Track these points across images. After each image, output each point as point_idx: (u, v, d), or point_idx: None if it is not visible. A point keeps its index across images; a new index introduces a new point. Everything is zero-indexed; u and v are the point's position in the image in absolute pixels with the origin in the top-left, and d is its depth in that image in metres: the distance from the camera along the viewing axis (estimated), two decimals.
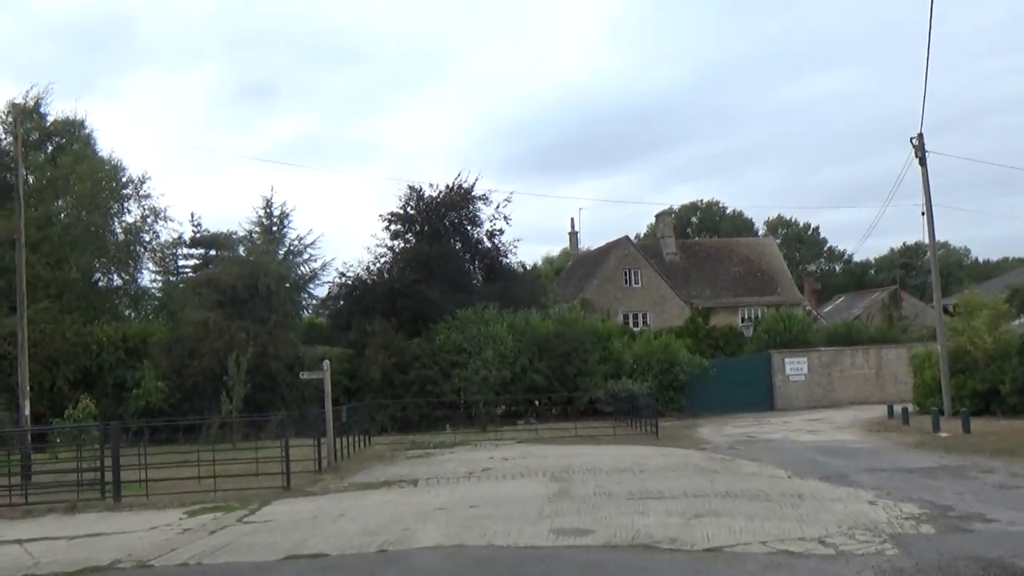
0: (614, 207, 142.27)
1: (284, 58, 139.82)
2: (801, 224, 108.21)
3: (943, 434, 27.61)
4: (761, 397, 42.76)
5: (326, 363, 24.67)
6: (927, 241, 35.29)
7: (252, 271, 37.49)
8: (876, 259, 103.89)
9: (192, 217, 44.53)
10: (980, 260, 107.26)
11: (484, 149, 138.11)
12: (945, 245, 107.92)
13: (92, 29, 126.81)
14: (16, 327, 36.66)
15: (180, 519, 16.67)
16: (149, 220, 42.77)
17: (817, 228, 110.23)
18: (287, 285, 38.89)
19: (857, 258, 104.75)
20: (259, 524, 15.59)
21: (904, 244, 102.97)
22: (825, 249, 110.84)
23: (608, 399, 38.44)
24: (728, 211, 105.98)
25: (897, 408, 33.93)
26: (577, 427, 32.08)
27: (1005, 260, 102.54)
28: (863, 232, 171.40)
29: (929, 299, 70.42)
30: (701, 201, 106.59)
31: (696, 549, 11.67)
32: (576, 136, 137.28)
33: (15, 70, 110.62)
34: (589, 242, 72.57)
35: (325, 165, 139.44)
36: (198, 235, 44.65)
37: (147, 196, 42.90)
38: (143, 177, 42.89)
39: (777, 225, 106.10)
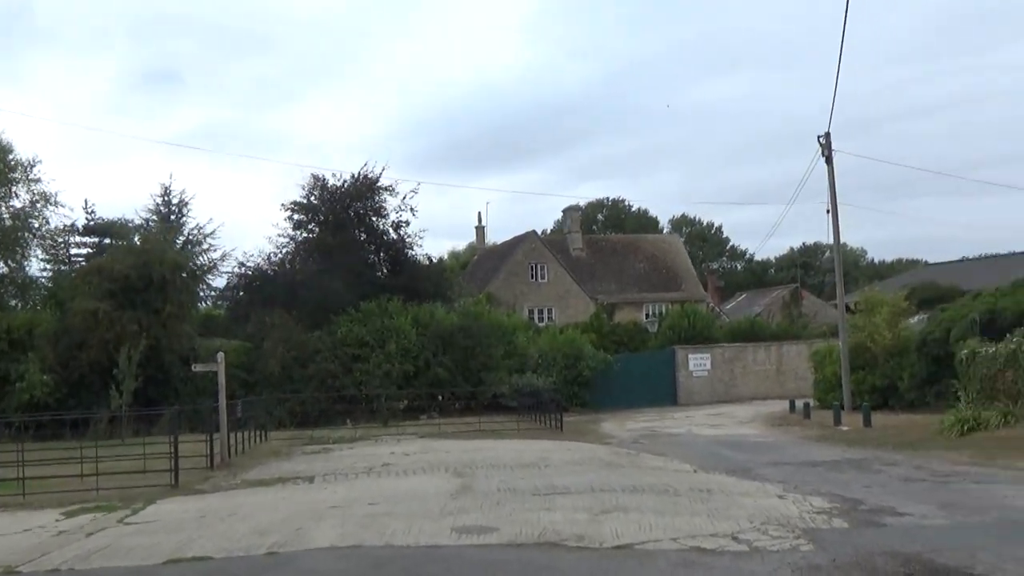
0: (521, 203, 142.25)
1: (191, 44, 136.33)
2: (704, 223, 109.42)
3: (844, 428, 27.72)
4: (664, 392, 42.72)
5: (220, 355, 23.55)
6: (830, 239, 35.50)
7: (146, 260, 35.93)
8: (776, 258, 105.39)
9: (86, 204, 42.55)
10: (876, 261, 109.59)
11: (394, 142, 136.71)
12: (843, 246, 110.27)
13: None
14: None
15: (56, 520, 15.50)
16: (39, 205, 40.90)
17: (720, 227, 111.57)
18: (183, 275, 37.36)
19: (758, 257, 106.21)
20: (142, 525, 14.57)
21: (803, 244, 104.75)
22: (728, 248, 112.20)
23: (512, 394, 37.92)
24: (633, 209, 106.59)
25: (799, 403, 34.09)
26: (481, 422, 31.42)
27: (899, 261, 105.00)
28: (765, 232, 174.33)
29: (828, 297, 71.64)
30: (607, 198, 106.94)
31: (605, 546, 11.10)
32: (486, 131, 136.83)
33: None
34: (496, 237, 72.01)
35: (230, 154, 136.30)
36: (92, 223, 42.93)
37: (37, 180, 41.07)
38: (33, 160, 41.04)
39: (681, 224, 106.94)
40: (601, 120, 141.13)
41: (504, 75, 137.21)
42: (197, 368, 24.33)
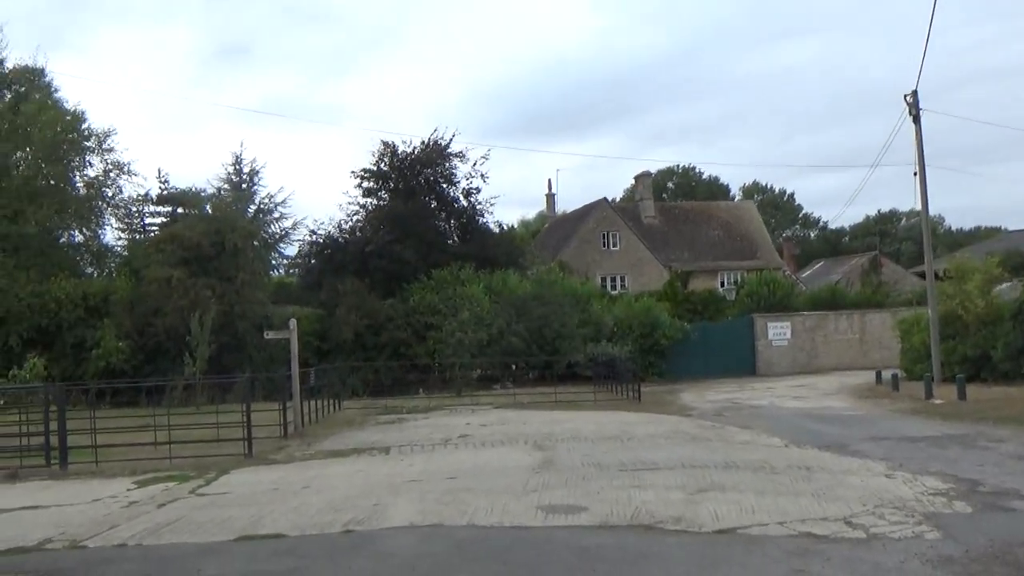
0: (591, 172, 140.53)
1: (259, 17, 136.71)
2: (776, 190, 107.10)
3: (937, 401, 26.35)
4: (743, 362, 41.50)
5: (293, 322, 22.96)
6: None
7: (219, 228, 35.67)
8: (851, 226, 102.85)
9: (159, 174, 42.32)
10: (953, 228, 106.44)
11: (461, 113, 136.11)
12: (920, 214, 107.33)
13: None
14: None
15: (128, 490, 15.02)
16: (112, 175, 40.80)
17: (792, 194, 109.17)
18: (255, 243, 37.03)
19: (833, 225, 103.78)
20: (214, 496, 14.00)
21: (879, 211, 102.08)
22: (800, 216, 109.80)
23: (588, 363, 37.06)
24: (704, 176, 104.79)
25: (885, 374, 32.73)
26: (557, 392, 30.50)
27: (978, 228, 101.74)
28: (837, 199, 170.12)
29: (907, 265, 69.59)
30: (677, 166, 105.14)
31: (705, 530, 10.19)
32: (554, 101, 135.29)
33: None
34: (566, 206, 70.93)
35: (299, 122, 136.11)
36: (165, 192, 42.68)
37: (111, 150, 40.95)
38: (108, 131, 40.91)
39: (753, 191, 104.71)
40: (670, 87, 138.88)
41: (571, 43, 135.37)
42: (270, 335, 23.83)
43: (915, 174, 32.12)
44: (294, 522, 11.50)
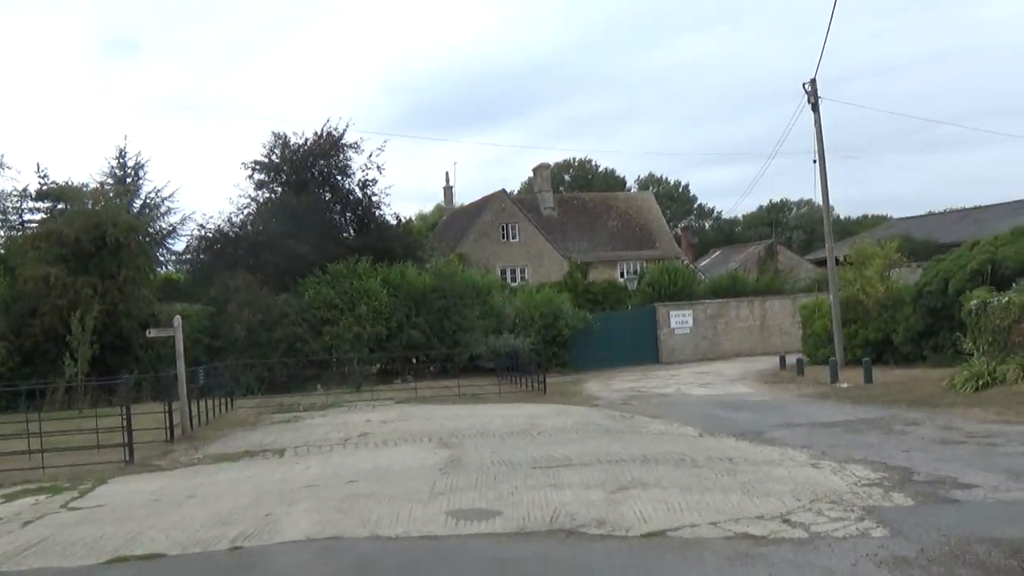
0: (489, 166, 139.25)
1: (148, 9, 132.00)
2: (672, 182, 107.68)
3: (844, 385, 26.08)
4: (646, 351, 40.97)
5: (177, 319, 21.31)
6: (815, 192, 33.65)
7: (99, 223, 33.55)
8: (744, 216, 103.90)
9: (38, 168, 39.48)
10: (842, 217, 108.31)
11: (360, 106, 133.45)
12: (810, 203, 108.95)
13: None
14: None
15: None
16: None
17: (687, 186, 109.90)
18: (141, 238, 35.00)
19: (725, 215, 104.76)
20: (88, 511, 12.58)
21: (771, 201, 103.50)
22: (695, 207, 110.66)
23: (490, 355, 36.05)
24: (600, 169, 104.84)
25: (789, 359, 32.53)
26: (460, 385, 29.36)
27: (865, 217, 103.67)
28: (731, 190, 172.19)
29: (799, 253, 70.28)
30: (574, 159, 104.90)
31: (633, 534, 9.25)
32: (451, 96, 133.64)
33: None
34: (465, 199, 69.72)
35: (191, 117, 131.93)
36: (44, 187, 40.23)
37: None
38: None
39: (648, 183, 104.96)
40: (568, 82, 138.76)
41: (471, 37, 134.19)
42: (152, 333, 22.09)
43: (814, 161, 31.88)
44: (175, 539, 10.22)
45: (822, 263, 58.47)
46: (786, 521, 9.36)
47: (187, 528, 10.76)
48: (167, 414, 19.52)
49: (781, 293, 45.27)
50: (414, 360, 37.11)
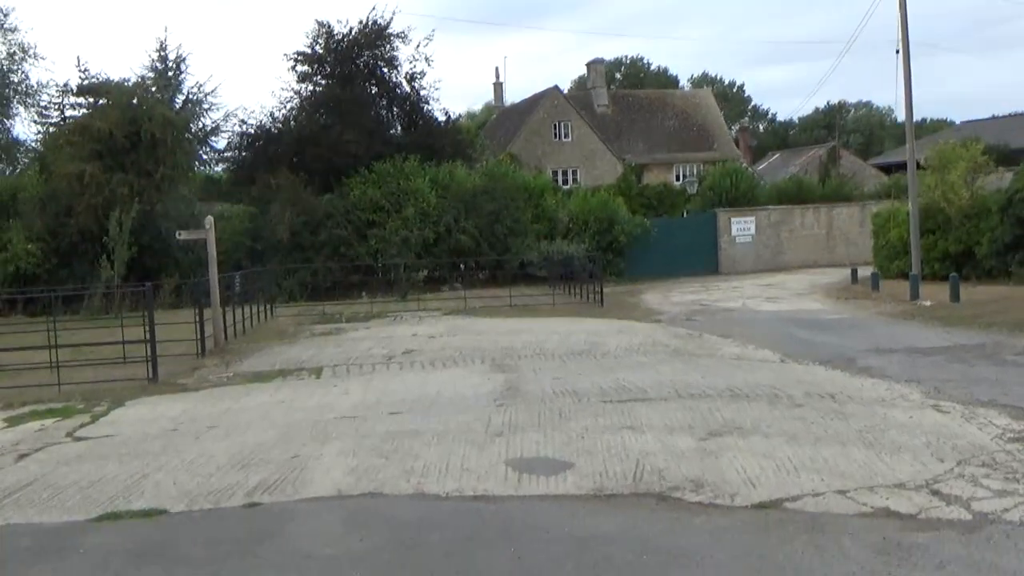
0: (537, 65, 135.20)
1: None
2: (727, 82, 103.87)
3: (926, 303, 23.77)
4: (705, 260, 38.78)
5: (209, 219, 19.37)
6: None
7: (134, 117, 31.76)
8: (799, 119, 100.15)
9: (78, 63, 37.28)
10: (899, 121, 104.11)
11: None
12: (868, 105, 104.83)
13: None
14: None
15: None
16: (17, 58, 36.47)
17: (742, 86, 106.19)
18: (177, 133, 33.10)
19: (781, 118, 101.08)
20: (93, 442, 10.96)
21: (828, 103, 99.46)
22: (750, 108, 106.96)
23: (542, 262, 34.17)
24: (653, 68, 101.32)
25: (862, 271, 30.27)
26: (511, 295, 27.48)
27: (924, 121, 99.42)
28: (787, 91, 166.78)
29: (860, 158, 67.07)
30: (625, 57, 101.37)
31: (740, 503, 7.39)
32: None
33: None
34: (512, 99, 66.92)
35: (229, 4, 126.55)
36: (85, 82, 38.28)
37: (13, 30, 36.58)
38: (7, 8, 36.50)
39: (703, 83, 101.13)
40: None
41: None
42: (183, 236, 20.22)
43: (897, 51, 29.02)
44: (183, 487, 8.56)
45: (887, 168, 55.70)
46: (935, 493, 7.40)
47: (200, 471, 9.09)
48: (197, 324, 17.87)
49: (849, 200, 42.62)
50: (462, 266, 35.36)
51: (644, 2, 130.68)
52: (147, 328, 15.72)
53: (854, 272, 30.65)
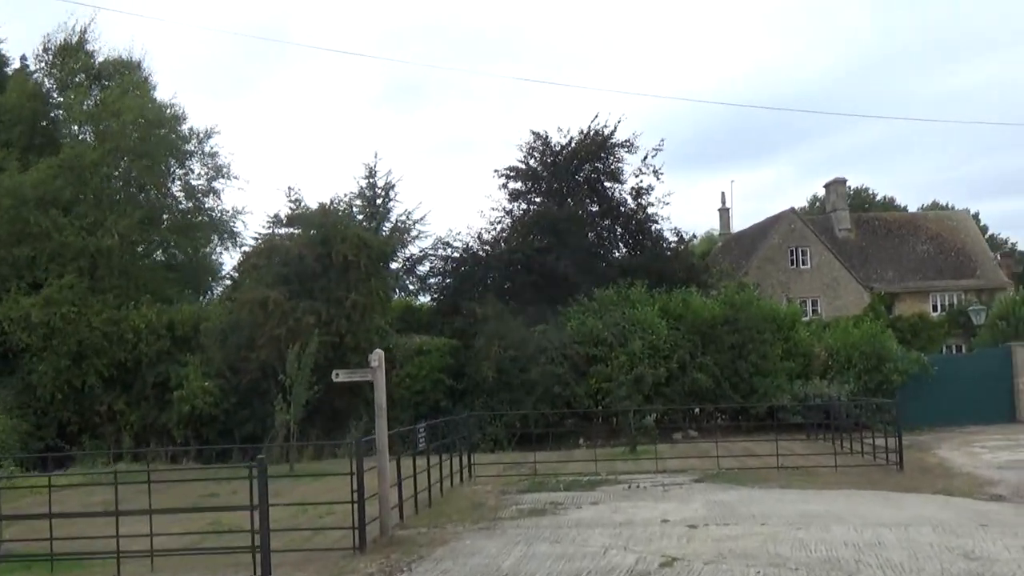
0: (756, 202, 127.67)
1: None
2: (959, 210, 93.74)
3: None
4: (996, 405, 30.34)
5: (377, 355, 13.29)
6: None
7: (325, 237, 27.22)
8: None
9: (289, 192, 32.59)
10: None
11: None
12: None
13: None
14: (31, 309, 27.58)
15: None
16: (213, 183, 33.09)
17: (977, 214, 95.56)
18: (374, 257, 28.32)
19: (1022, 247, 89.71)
20: None
21: None
22: (986, 238, 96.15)
23: (797, 407, 27.11)
24: (879, 198, 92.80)
25: None
26: (779, 455, 20.13)
27: None
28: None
29: None
30: (849, 188, 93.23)
31: None
32: (722, 128, 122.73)
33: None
34: (738, 226, 60.02)
35: (428, 110, 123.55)
36: (295, 211, 34.29)
37: (213, 154, 33.18)
38: (209, 130, 33.16)
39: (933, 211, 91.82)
40: (833, 114, 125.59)
41: (736, 71, 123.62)
42: (340, 377, 14.15)
43: None
44: None
45: None
46: None
47: None
48: (355, 505, 11.92)
49: None
50: (696, 410, 28.70)
51: (865, 136, 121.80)
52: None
53: None
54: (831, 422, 24.79)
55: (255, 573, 9.39)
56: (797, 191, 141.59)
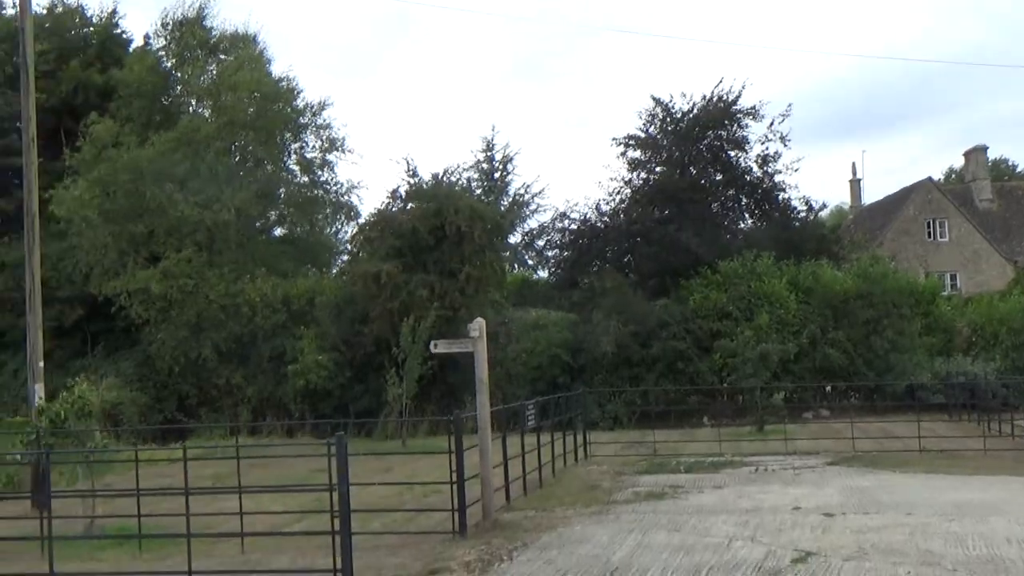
0: (888, 176, 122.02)
1: None
2: None
3: None
4: None
5: (478, 324, 12.20)
6: None
7: (438, 209, 26.41)
8: None
9: (407, 166, 31.72)
10: None
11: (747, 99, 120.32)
12: None
13: None
14: (150, 282, 27.63)
15: None
16: (327, 155, 32.71)
17: None
18: (490, 228, 27.39)
19: None
20: None
21: None
22: None
23: (938, 386, 25.15)
24: (1019, 170, 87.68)
25: None
26: (920, 437, 18.53)
27: None
28: None
29: None
30: (988, 160, 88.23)
31: None
32: (857, 100, 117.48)
33: None
34: (869, 199, 56.98)
35: (546, 84, 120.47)
36: (414, 187, 33.51)
37: (327, 126, 32.73)
38: (323, 102, 32.71)
39: None
40: (970, 85, 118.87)
41: (873, 44, 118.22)
42: (438, 348, 13.17)
43: None
44: None
45: None
46: None
47: None
48: (456, 486, 10.96)
49: None
50: (828, 388, 27.01)
51: (1004, 108, 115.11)
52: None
53: None
54: (976, 402, 23.10)
55: (334, 560, 8.47)
56: (930, 164, 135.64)
